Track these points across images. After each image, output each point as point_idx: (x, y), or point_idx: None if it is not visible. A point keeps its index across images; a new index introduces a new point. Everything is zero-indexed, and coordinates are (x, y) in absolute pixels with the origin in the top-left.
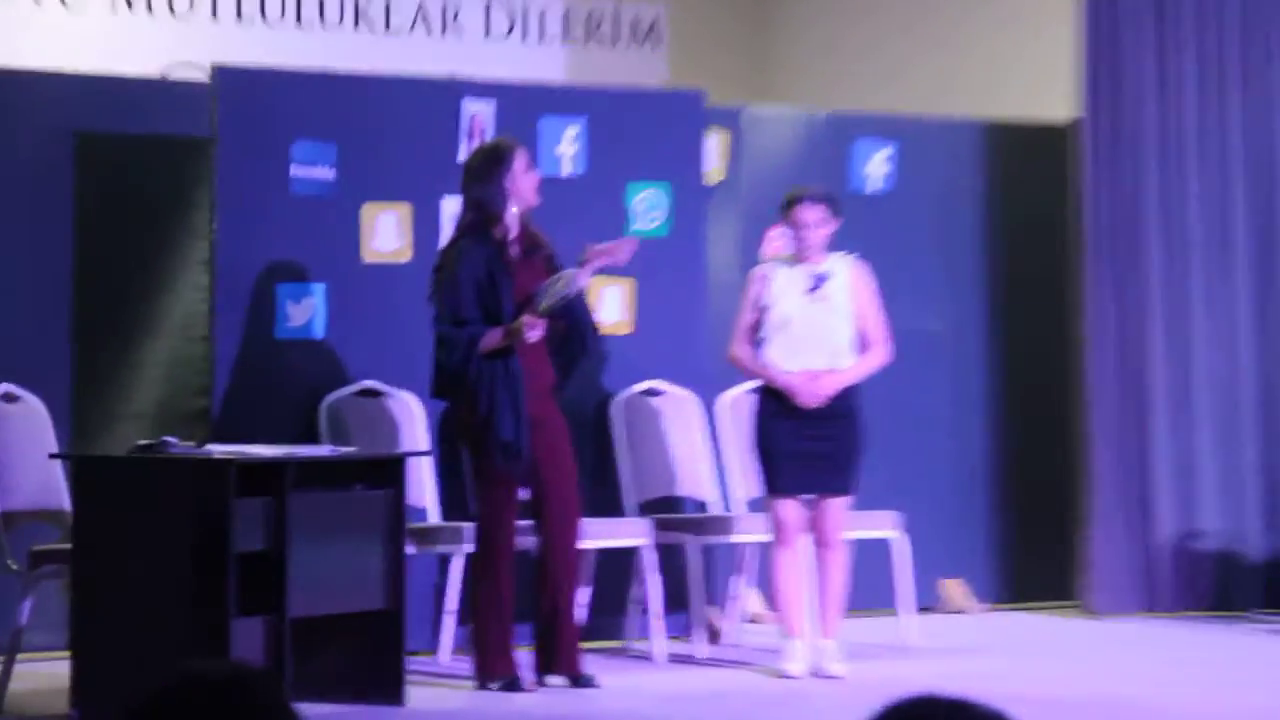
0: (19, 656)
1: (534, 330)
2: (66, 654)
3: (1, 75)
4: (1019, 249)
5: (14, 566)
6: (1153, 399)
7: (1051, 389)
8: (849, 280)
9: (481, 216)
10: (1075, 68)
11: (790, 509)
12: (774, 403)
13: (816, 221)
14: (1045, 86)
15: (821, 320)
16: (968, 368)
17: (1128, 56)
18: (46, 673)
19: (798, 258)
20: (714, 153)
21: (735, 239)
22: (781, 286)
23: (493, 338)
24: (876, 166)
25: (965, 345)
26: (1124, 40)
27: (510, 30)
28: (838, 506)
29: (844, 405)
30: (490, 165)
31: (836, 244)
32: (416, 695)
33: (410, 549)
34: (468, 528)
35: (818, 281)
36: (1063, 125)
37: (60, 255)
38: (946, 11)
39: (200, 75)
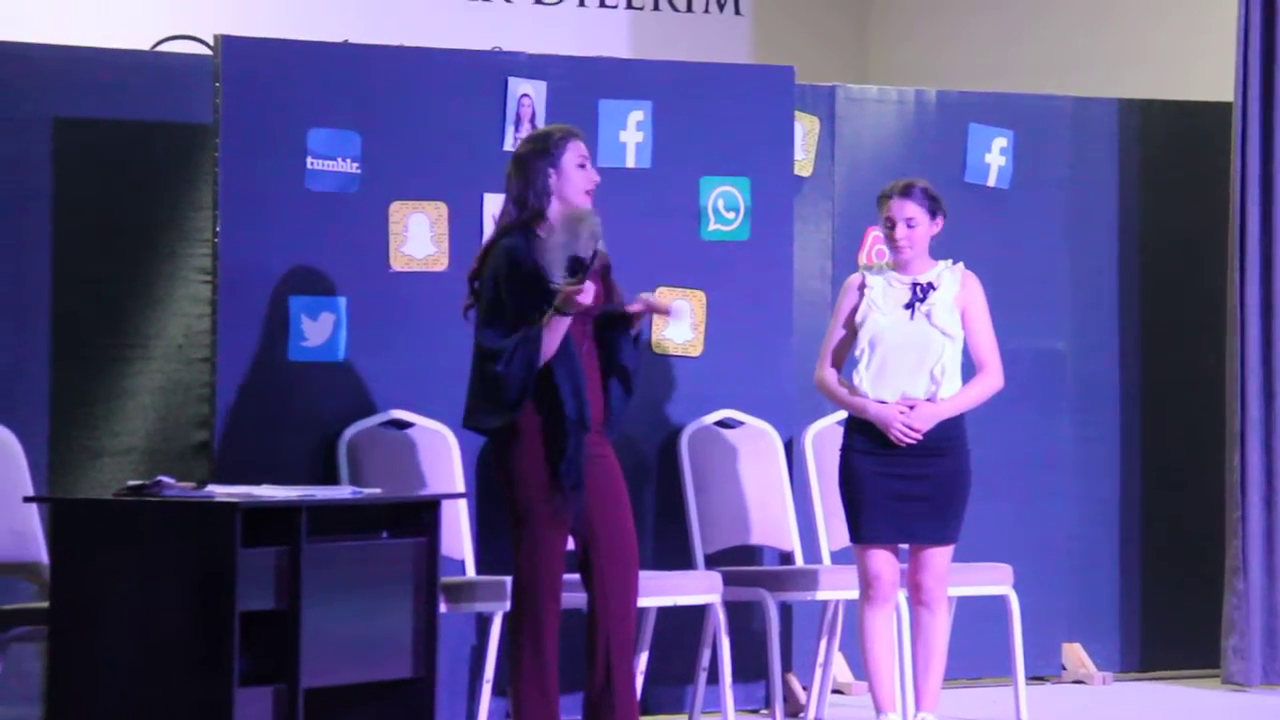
0: None
1: (584, 295)
2: None
3: None
4: (1164, 254)
5: None
6: None
7: (1196, 422)
8: (956, 293)
9: (522, 215)
10: (1235, 41)
11: (882, 560)
12: (864, 436)
13: (919, 220)
14: (1191, 61)
15: (921, 340)
16: (1097, 395)
17: None
18: None
19: (896, 265)
20: (803, 141)
21: (826, 244)
22: (876, 299)
23: (549, 330)
24: (994, 157)
25: (1095, 368)
26: None
27: None
28: (939, 558)
29: (947, 440)
30: (535, 157)
31: (946, 248)
32: None
33: (443, 607)
34: (510, 582)
35: (919, 294)
36: (1218, 105)
37: (36, 264)
38: None
39: (201, 49)
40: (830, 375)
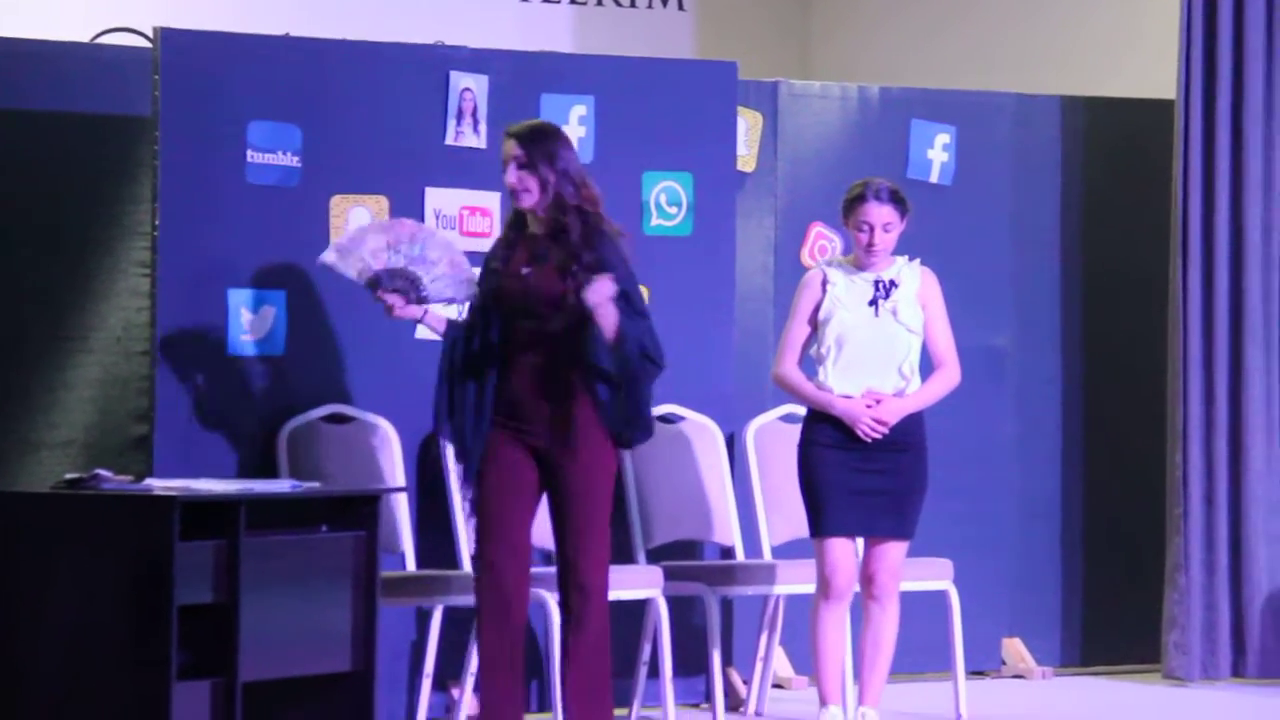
0: None
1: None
2: None
3: None
4: (1107, 252)
5: None
6: (1250, 431)
7: (1138, 419)
8: (917, 289)
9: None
10: (1177, 35)
11: (842, 553)
12: (827, 431)
13: (889, 225)
14: (1133, 58)
15: (889, 337)
16: (1038, 390)
17: (1239, 19)
18: None
19: (856, 262)
20: (745, 136)
21: (769, 239)
22: (840, 296)
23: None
24: (936, 153)
25: (1036, 364)
26: (1225, 11)
27: None
28: (894, 552)
29: (909, 435)
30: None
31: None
32: None
33: (383, 601)
34: (453, 576)
35: (883, 291)
36: (1158, 102)
37: None
38: None
39: (141, 42)
40: (793, 370)
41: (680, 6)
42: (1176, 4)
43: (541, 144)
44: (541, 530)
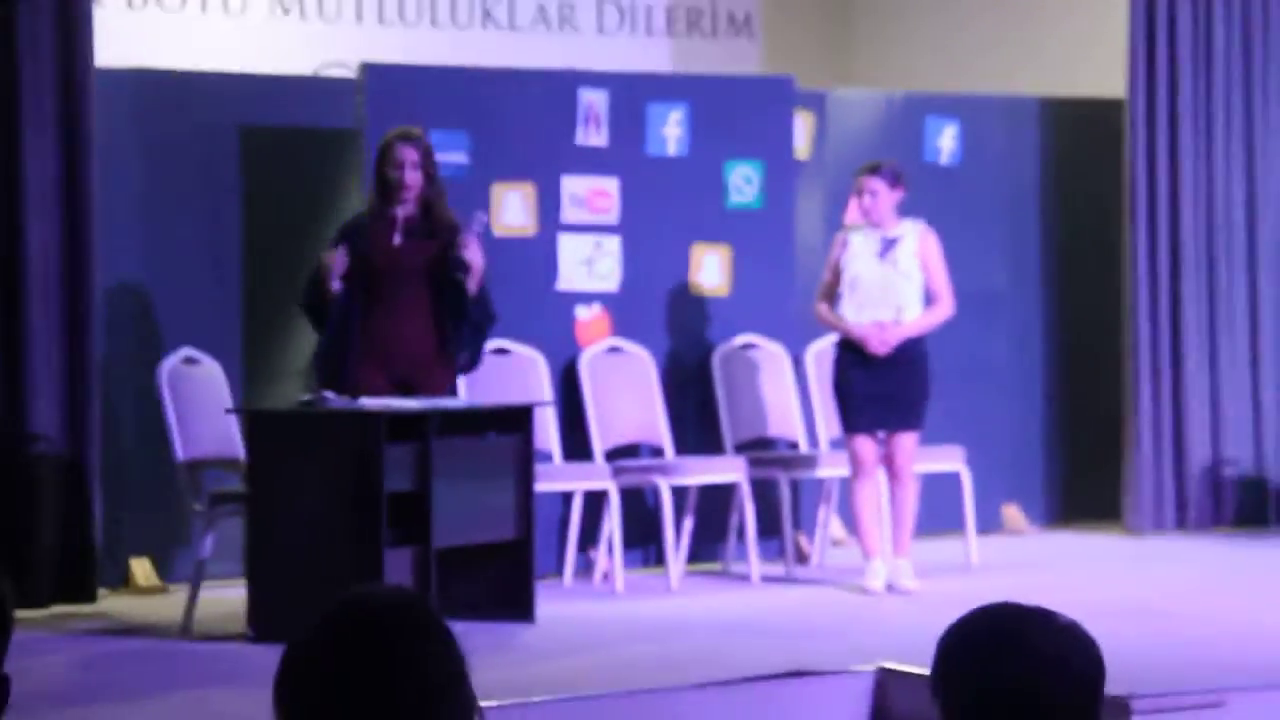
0: (203, 584)
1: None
2: (243, 582)
3: (175, 76)
4: (1073, 216)
5: (198, 507)
6: (1186, 346)
7: (1099, 338)
8: (917, 244)
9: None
10: (1126, 46)
11: (866, 445)
12: (850, 352)
13: (881, 190)
14: (1105, 66)
15: (889, 279)
16: (1027, 321)
17: (1173, 34)
18: (227, 598)
19: (870, 224)
20: (802, 132)
21: (820, 209)
22: (855, 251)
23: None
24: (945, 142)
25: (1025, 301)
26: (1167, 19)
27: (620, 25)
28: (906, 441)
29: (911, 352)
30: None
31: (911, 211)
32: (544, 613)
33: (538, 486)
34: (589, 466)
35: (888, 245)
36: (1112, 101)
37: (230, 236)
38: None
39: (349, 73)
40: (823, 307)
41: (750, 36)
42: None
43: (429, 150)
44: (630, 428)
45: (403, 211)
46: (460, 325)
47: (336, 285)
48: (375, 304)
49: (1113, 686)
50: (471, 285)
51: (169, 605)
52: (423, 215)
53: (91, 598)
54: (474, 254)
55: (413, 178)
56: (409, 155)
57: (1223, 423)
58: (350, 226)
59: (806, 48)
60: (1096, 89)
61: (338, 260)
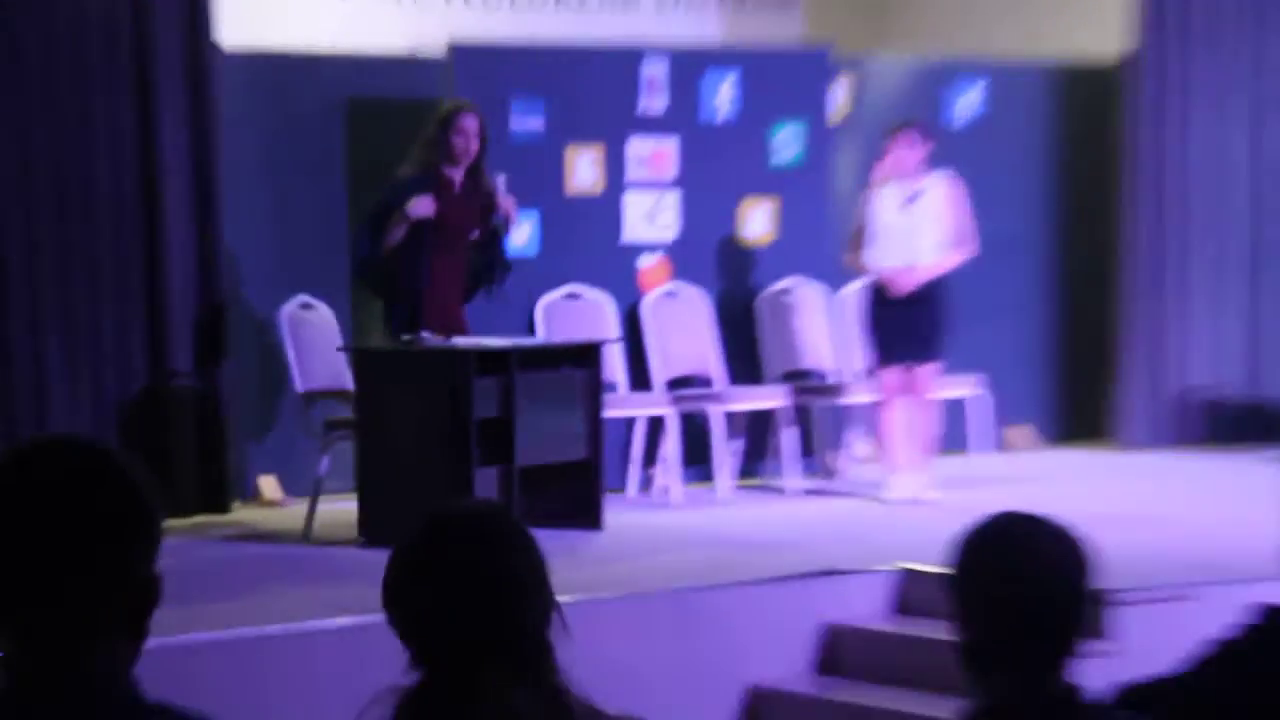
0: (320, 498)
1: (414, 207)
2: (354, 495)
3: (287, 55)
4: (1083, 168)
5: (315, 432)
6: (1172, 283)
7: (1100, 274)
8: (941, 194)
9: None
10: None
11: (892, 375)
12: (878, 293)
13: (907, 146)
14: (1115, 33)
15: (913, 228)
16: (1036, 261)
17: (1162, 5)
18: (341, 510)
19: (899, 177)
20: (841, 94)
21: (857, 165)
22: (884, 201)
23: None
24: (969, 102)
25: (1034, 243)
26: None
27: (677, 2)
28: (929, 371)
29: (931, 292)
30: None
31: (938, 163)
32: (611, 522)
33: (605, 413)
34: (648, 395)
35: (914, 196)
36: (1113, 65)
37: (338, 197)
38: None
39: (439, 51)
40: (856, 254)
41: (793, 8)
42: None
43: (485, 122)
44: (686, 361)
45: (458, 174)
46: (493, 268)
47: (422, 210)
48: (431, 254)
49: (1098, 581)
50: (511, 234)
51: (291, 516)
52: (469, 178)
53: (226, 509)
54: (513, 209)
55: (475, 145)
56: (472, 125)
57: (1201, 354)
58: (404, 184)
59: (844, 17)
60: (1106, 54)
61: (424, 205)
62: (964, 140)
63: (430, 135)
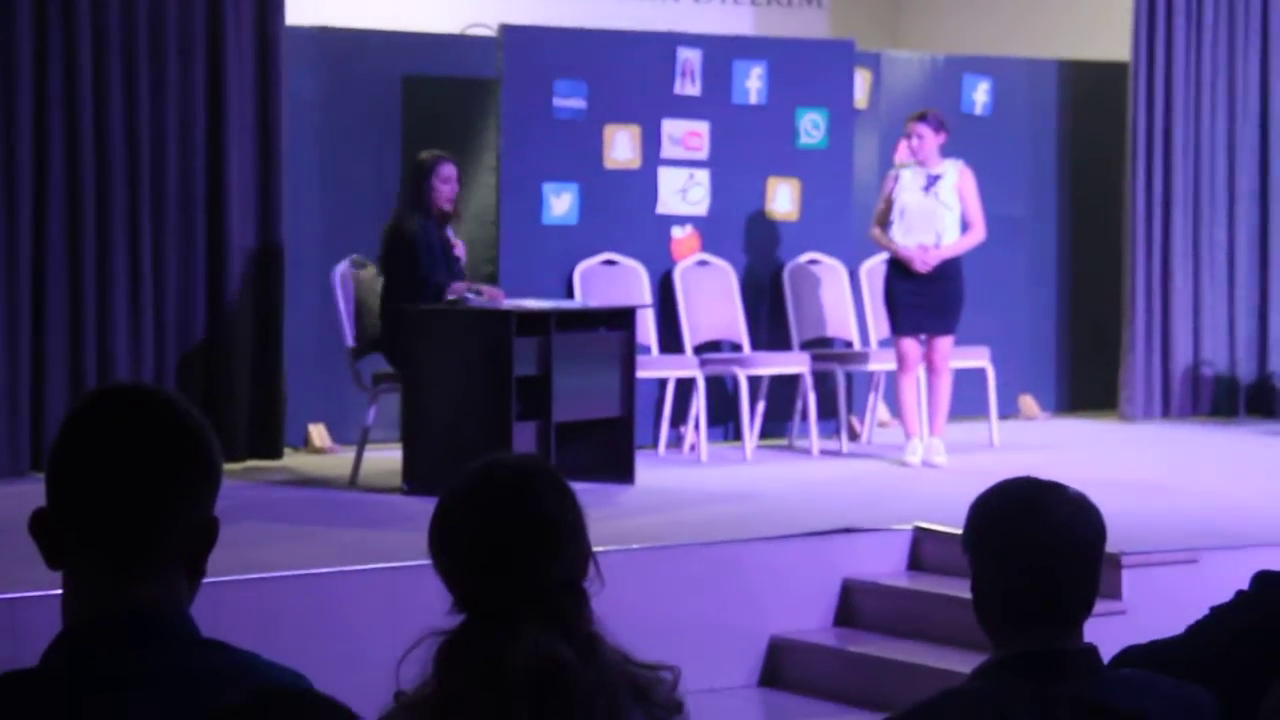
0: (367, 447)
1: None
2: (399, 445)
3: (349, 33)
4: (1084, 158)
5: (363, 384)
6: (1173, 266)
7: (1105, 259)
8: (956, 179)
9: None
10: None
11: (910, 345)
12: (898, 268)
13: (927, 134)
14: (1116, 33)
15: (932, 209)
16: (1044, 244)
17: (1170, 8)
18: (386, 458)
19: (917, 162)
20: (861, 86)
21: (875, 150)
22: (904, 184)
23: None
24: (979, 96)
25: (1042, 226)
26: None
27: None
28: (944, 343)
29: (949, 270)
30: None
31: (951, 153)
32: (641, 477)
33: (638, 373)
34: (680, 358)
35: (932, 181)
36: (1120, 63)
37: (392, 165)
38: None
39: (490, 32)
40: (877, 231)
41: (819, 4)
42: None
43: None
44: (714, 327)
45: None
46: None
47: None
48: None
49: (1108, 545)
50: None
51: (339, 463)
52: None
53: (278, 455)
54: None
55: (455, 189)
56: (452, 171)
57: (1202, 329)
58: (423, 227)
59: (865, 16)
60: (1108, 53)
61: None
62: (974, 131)
63: (415, 182)
